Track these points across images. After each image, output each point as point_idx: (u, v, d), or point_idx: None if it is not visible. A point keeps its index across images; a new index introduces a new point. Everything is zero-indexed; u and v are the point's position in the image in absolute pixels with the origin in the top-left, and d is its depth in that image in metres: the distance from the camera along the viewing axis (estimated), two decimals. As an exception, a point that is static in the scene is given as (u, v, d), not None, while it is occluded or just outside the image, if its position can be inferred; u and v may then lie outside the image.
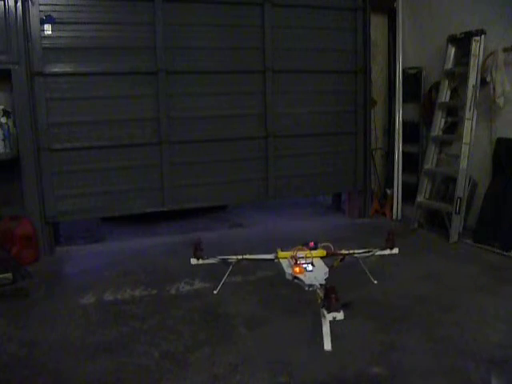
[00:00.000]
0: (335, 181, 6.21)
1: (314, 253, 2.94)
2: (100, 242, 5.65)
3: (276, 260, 3.41)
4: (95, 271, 4.59)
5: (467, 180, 5.25)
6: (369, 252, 2.78)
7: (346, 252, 3.01)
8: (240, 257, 3.34)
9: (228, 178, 5.67)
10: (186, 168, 5.46)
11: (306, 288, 2.84)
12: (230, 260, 3.47)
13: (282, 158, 5.85)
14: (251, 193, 5.84)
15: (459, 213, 5.20)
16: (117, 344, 3.18)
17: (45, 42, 4.82)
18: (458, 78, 5.52)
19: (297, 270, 2.81)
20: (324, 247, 3.08)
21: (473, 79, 5.14)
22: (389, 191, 6.36)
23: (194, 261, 3.10)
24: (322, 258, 2.93)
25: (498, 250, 4.78)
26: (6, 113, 4.79)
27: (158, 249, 5.21)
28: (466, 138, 5.19)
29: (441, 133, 5.73)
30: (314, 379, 2.75)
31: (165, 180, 5.38)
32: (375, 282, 2.93)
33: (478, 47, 5.12)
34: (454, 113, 5.61)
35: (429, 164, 5.78)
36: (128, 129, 5.21)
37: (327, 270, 2.89)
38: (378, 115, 6.54)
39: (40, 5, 4.75)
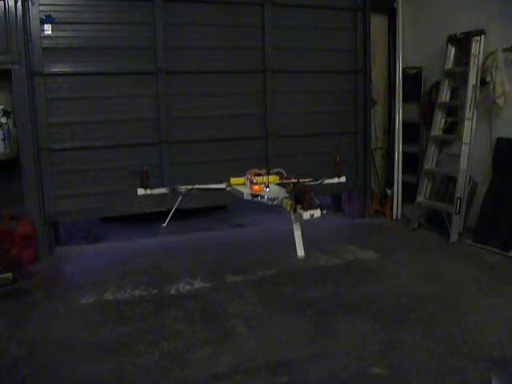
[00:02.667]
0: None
1: (267, 178, 2.92)
2: (100, 242, 5.65)
3: (228, 188, 3.33)
4: (95, 271, 4.59)
5: (467, 180, 5.25)
6: (318, 180, 2.82)
7: (298, 180, 3.00)
8: (190, 186, 3.25)
9: (228, 177, 5.65)
10: (186, 168, 5.46)
11: (270, 202, 2.80)
12: (179, 190, 3.38)
13: (282, 158, 5.84)
14: (251, 193, 5.83)
15: (459, 213, 5.20)
16: (117, 344, 3.18)
17: (45, 42, 4.81)
18: (458, 78, 5.52)
19: (256, 187, 2.79)
20: (277, 173, 3.06)
21: (473, 79, 5.14)
22: (389, 191, 6.36)
23: (140, 191, 2.98)
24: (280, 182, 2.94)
25: (498, 250, 4.78)
26: (5, 113, 4.80)
27: (158, 249, 5.21)
28: (466, 138, 5.19)
29: (441, 133, 5.73)
30: (314, 379, 2.75)
31: (165, 180, 5.38)
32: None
33: (478, 47, 5.12)
34: (454, 113, 5.60)
35: (429, 164, 5.78)
36: (128, 129, 5.21)
37: (284, 190, 2.88)
38: (377, 115, 6.54)
39: (40, 5, 4.75)
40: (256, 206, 6.10)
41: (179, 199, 2.65)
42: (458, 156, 5.23)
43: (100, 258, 4.99)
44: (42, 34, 4.79)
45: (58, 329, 3.43)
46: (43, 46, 4.81)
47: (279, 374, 2.80)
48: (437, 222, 5.64)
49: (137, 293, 4.04)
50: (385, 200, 6.42)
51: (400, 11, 6.20)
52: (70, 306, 3.82)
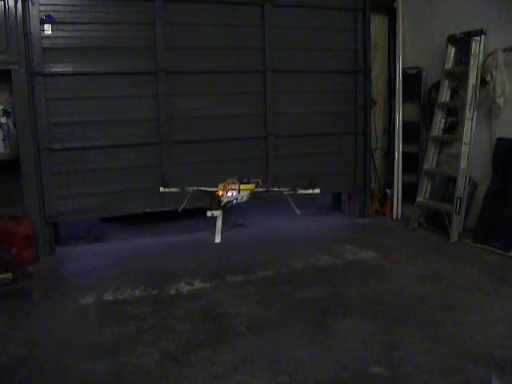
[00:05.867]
0: (335, 181, 6.20)
1: (243, 186, 3.28)
2: (100, 241, 5.65)
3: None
4: (95, 271, 4.59)
5: (467, 180, 5.25)
6: (293, 190, 3.08)
7: (273, 189, 3.31)
8: (195, 188, 3.87)
9: (228, 177, 5.65)
10: (186, 168, 5.46)
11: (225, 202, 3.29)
12: (187, 190, 3.91)
13: (282, 158, 5.85)
14: (251, 193, 5.83)
15: (459, 213, 5.20)
16: (117, 344, 3.18)
17: (45, 42, 4.81)
18: (458, 78, 5.52)
19: (220, 193, 3.25)
20: (255, 182, 3.37)
21: (473, 79, 5.14)
22: (389, 191, 6.36)
23: (162, 189, 3.83)
24: (252, 191, 3.25)
25: (498, 250, 4.78)
26: (5, 113, 4.80)
27: (158, 249, 5.21)
28: (466, 138, 5.19)
29: (441, 133, 5.73)
30: (314, 379, 2.75)
31: (165, 180, 5.38)
32: (298, 212, 3.08)
33: (478, 47, 5.12)
34: (454, 113, 5.60)
35: (429, 164, 5.78)
36: (128, 129, 5.21)
37: (245, 195, 3.22)
38: (377, 115, 6.54)
39: (40, 5, 4.75)
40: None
41: (186, 199, 2.96)
42: (458, 156, 5.23)
43: (100, 257, 4.99)
44: (42, 34, 4.78)
45: (58, 329, 3.43)
46: (43, 46, 4.81)
47: (279, 374, 2.80)
48: (437, 221, 5.64)
49: (137, 293, 4.04)
50: (385, 200, 6.42)
51: (400, 11, 6.20)
52: (70, 306, 3.82)
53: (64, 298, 3.96)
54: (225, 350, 3.07)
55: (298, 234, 5.67)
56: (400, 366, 2.84)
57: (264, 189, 3.47)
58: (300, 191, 3.01)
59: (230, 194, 3.35)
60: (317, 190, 3.03)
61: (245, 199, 3.29)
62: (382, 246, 5.15)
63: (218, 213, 2.95)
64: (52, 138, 4.95)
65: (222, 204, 2.97)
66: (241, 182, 3.43)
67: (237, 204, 3.26)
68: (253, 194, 3.25)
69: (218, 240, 2.72)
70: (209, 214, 3.05)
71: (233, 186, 3.37)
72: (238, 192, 3.28)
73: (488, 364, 2.83)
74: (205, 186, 5.09)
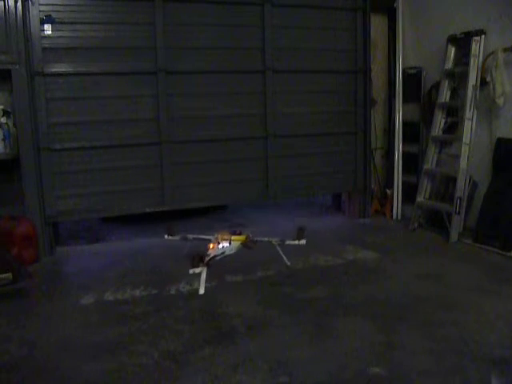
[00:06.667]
0: (335, 181, 6.21)
1: (234, 237, 3.45)
2: (100, 241, 5.65)
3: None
4: (95, 271, 4.59)
5: (467, 180, 5.25)
6: (281, 241, 3.26)
7: (263, 239, 3.46)
8: (195, 236, 4.13)
9: (228, 177, 5.67)
10: (185, 168, 5.46)
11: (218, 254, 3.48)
12: (187, 237, 4.20)
13: (282, 158, 5.85)
14: (251, 193, 5.84)
15: (459, 213, 5.20)
16: (117, 344, 3.18)
17: (45, 42, 4.81)
18: (458, 78, 5.52)
19: (210, 246, 3.31)
20: (246, 234, 3.55)
21: (473, 79, 5.14)
22: (389, 191, 6.36)
23: (166, 236, 4.09)
24: (243, 242, 3.38)
25: (498, 250, 4.78)
26: (5, 113, 4.80)
27: (158, 249, 5.21)
28: (466, 138, 5.19)
29: (441, 133, 5.73)
30: (314, 379, 2.75)
31: (165, 180, 5.38)
32: (288, 263, 3.18)
33: (478, 47, 5.13)
34: (454, 113, 5.60)
35: (429, 164, 5.78)
36: (128, 129, 5.21)
37: (235, 246, 3.35)
38: (377, 115, 6.54)
39: (40, 5, 4.75)
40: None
41: (188, 246, 3.16)
42: (458, 156, 5.23)
43: (100, 257, 4.99)
44: (42, 34, 4.78)
45: (58, 329, 3.43)
46: (43, 46, 4.81)
47: (279, 373, 2.80)
48: (437, 222, 5.64)
49: (137, 293, 4.04)
50: (385, 200, 6.42)
51: (400, 11, 6.20)
52: (70, 306, 3.82)
53: (64, 298, 3.96)
54: (225, 349, 3.07)
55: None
56: (400, 366, 2.84)
57: (254, 239, 3.68)
58: (287, 242, 3.23)
59: (220, 245, 3.52)
60: (302, 242, 3.25)
61: (234, 251, 3.46)
62: (381, 245, 5.15)
63: (199, 270, 3.08)
64: (52, 138, 4.95)
65: (206, 261, 3.10)
66: (233, 234, 3.62)
67: (225, 256, 3.44)
68: (244, 245, 3.43)
69: (201, 291, 2.86)
70: (191, 271, 3.22)
71: (225, 237, 3.57)
72: (229, 243, 3.48)
73: (488, 364, 2.83)
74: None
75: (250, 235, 3.54)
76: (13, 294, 4.00)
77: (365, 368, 2.83)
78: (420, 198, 5.79)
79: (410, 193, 6.04)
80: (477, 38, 5.12)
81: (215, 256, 3.28)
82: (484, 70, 5.13)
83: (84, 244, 5.56)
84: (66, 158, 5.03)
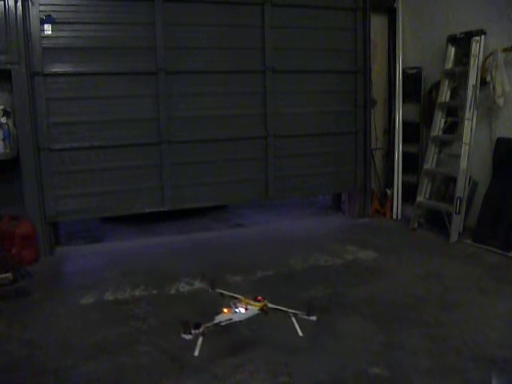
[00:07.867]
0: (335, 181, 6.21)
1: (253, 302, 3.25)
2: (100, 241, 5.65)
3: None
4: (95, 271, 4.59)
5: (467, 180, 5.25)
6: (295, 313, 3.14)
7: (279, 307, 3.29)
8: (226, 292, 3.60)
9: (228, 177, 5.67)
10: (186, 168, 5.46)
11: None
12: (224, 294, 3.64)
13: (282, 158, 5.85)
14: (251, 193, 5.84)
15: (459, 213, 5.20)
16: (117, 344, 3.18)
17: (45, 42, 4.81)
18: (458, 78, 5.52)
19: (225, 310, 3.12)
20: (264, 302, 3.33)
21: (473, 79, 5.14)
22: (389, 191, 6.36)
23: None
24: (260, 308, 3.20)
25: (498, 250, 4.78)
26: (5, 113, 4.79)
27: (158, 249, 5.21)
28: (466, 138, 5.19)
29: (441, 133, 5.73)
30: (314, 379, 2.75)
31: (165, 180, 5.38)
32: (301, 334, 3.09)
33: (477, 47, 5.13)
34: (454, 113, 5.61)
35: (429, 164, 5.78)
36: (128, 129, 5.21)
37: (251, 313, 3.14)
38: (377, 115, 6.54)
39: (40, 5, 4.75)
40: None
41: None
42: (458, 156, 5.23)
43: (100, 257, 4.99)
44: (42, 34, 4.78)
45: (58, 329, 3.43)
46: (43, 46, 4.80)
47: (279, 374, 2.80)
48: (437, 221, 5.64)
49: (137, 293, 4.04)
50: (385, 200, 6.42)
51: (400, 11, 6.20)
52: (70, 305, 3.82)
53: (64, 298, 3.96)
54: (225, 350, 3.07)
55: (298, 234, 5.67)
56: (400, 366, 2.84)
57: (271, 306, 3.45)
58: (300, 315, 3.14)
59: (237, 310, 3.23)
60: (313, 318, 3.15)
61: (243, 318, 3.20)
62: (381, 245, 5.15)
63: (188, 337, 2.88)
64: (52, 138, 4.95)
65: (202, 329, 2.86)
66: (254, 299, 3.37)
67: (231, 323, 3.16)
68: (262, 310, 3.23)
69: (196, 353, 2.72)
70: (183, 336, 3.02)
71: (244, 303, 3.31)
72: (246, 310, 3.23)
73: (488, 364, 2.83)
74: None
75: (266, 303, 3.39)
76: (13, 293, 4.00)
77: (365, 368, 2.83)
78: (420, 198, 5.79)
79: (410, 193, 6.05)
80: (477, 37, 5.12)
81: (219, 323, 3.06)
82: (484, 70, 5.12)
83: (84, 244, 5.56)
84: (65, 158, 5.03)
